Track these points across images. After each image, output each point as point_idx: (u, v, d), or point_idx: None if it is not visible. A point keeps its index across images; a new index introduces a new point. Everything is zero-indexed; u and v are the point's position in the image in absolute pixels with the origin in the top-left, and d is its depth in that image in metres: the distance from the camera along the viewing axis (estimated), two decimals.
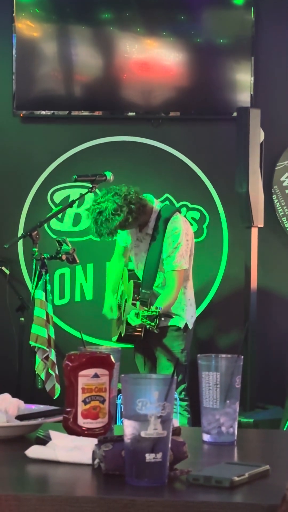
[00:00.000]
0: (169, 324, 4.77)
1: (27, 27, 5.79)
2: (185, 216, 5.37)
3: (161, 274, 4.78)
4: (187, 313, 4.82)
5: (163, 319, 4.55)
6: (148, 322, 4.38)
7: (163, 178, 5.77)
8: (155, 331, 4.42)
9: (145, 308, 4.51)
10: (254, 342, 5.24)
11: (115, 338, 4.97)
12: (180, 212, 4.90)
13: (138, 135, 5.84)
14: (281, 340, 5.72)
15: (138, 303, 4.75)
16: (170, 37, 5.80)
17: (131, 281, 4.89)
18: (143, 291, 4.77)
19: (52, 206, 5.71)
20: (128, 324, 4.71)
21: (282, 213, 5.76)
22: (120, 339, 4.91)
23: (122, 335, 4.80)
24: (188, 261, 4.78)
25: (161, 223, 4.76)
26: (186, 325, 4.81)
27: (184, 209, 5.73)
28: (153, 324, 4.37)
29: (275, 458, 1.78)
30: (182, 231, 4.75)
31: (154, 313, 4.38)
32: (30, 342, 4.58)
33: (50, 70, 5.82)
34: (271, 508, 1.36)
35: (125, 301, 4.88)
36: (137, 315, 4.49)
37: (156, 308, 4.42)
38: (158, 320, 4.38)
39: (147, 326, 4.42)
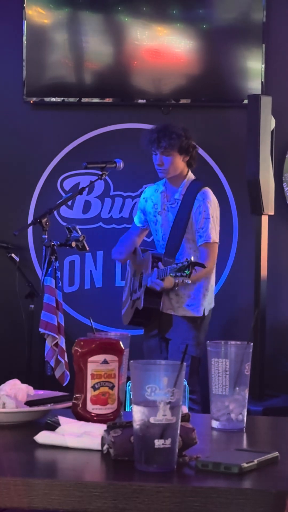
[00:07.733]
0: (187, 313, 4.74)
1: (37, 14, 5.77)
2: None
3: (184, 244, 4.72)
4: (206, 299, 4.76)
5: (195, 269, 4.31)
6: (179, 274, 4.27)
7: None
8: (188, 281, 4.31)
9: (173, 263, 4.40)
10: (264, 329, 5.24)
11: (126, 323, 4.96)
12: None
13: (148, 122, 5.81)
14: None
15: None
16: (181, 24, 5.77)
17: (148, 252, 4.85)
18: (165, 259, 4.68)
19: (62, 193, 5.71)
20: (146, 294, 4.67)
21: None
22: (132, 322, 4.88)
23: (140, 308, 4.76)
24: (218, 236, 4.71)
25: (192, 190, 4.73)
26: (203, 312, 4.76)
27: None
28: (185, 274, 4.24)
29: (284, 445, 1.78)
30: (213, 204, 4.74)
31: (185, 264, 4.26)
32: (40, 329, 4.58)
33: (61, 57, 5.80)
34: (279, 494, 1.37)
35: (141, 274, 4.85)
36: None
37: (186, 259, 4.30)
38: (190, 269, 4.23)
39: (178, 276, 4.28)
